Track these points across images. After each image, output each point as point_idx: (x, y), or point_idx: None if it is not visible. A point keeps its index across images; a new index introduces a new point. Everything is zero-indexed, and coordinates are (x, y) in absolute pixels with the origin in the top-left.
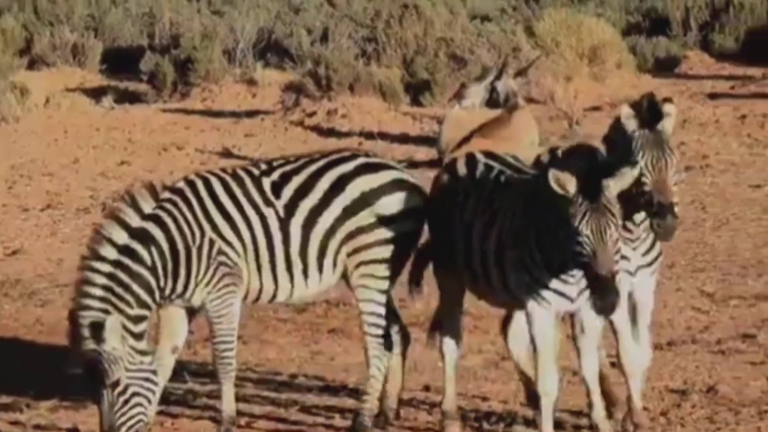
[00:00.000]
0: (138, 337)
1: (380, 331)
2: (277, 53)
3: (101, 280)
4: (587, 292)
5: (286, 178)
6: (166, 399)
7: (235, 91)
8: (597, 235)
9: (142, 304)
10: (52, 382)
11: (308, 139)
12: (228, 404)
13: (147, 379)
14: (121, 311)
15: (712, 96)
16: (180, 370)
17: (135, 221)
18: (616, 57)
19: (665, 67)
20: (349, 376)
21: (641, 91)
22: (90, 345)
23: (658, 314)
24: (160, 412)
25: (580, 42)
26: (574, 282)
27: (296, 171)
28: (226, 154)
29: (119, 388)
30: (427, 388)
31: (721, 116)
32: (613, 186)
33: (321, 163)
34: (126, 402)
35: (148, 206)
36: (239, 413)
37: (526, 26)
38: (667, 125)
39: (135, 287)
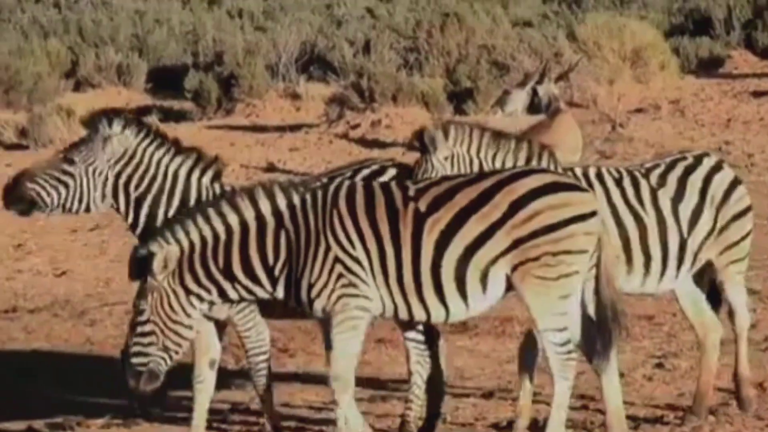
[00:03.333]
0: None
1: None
2: (319, 66)
3: None
4: None
5: None
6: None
7: (279, 106)
8: None
9: None
10: (102, 401)
11: (353, 151)
12: (269, 414)
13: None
14: None
15: (757, 94)
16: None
17: None
18: (660, 58)
19: (709, 67)
20: (397, 386)
21: (685, 92)
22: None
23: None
24: (209, 426)
25: (623, 45)
26: None
27: None
28: (272, 168)
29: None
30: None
31: (766, 114)
32: None
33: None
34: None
35: None
36: (288, 423)
37: (568, 31)
38: None
39: None
